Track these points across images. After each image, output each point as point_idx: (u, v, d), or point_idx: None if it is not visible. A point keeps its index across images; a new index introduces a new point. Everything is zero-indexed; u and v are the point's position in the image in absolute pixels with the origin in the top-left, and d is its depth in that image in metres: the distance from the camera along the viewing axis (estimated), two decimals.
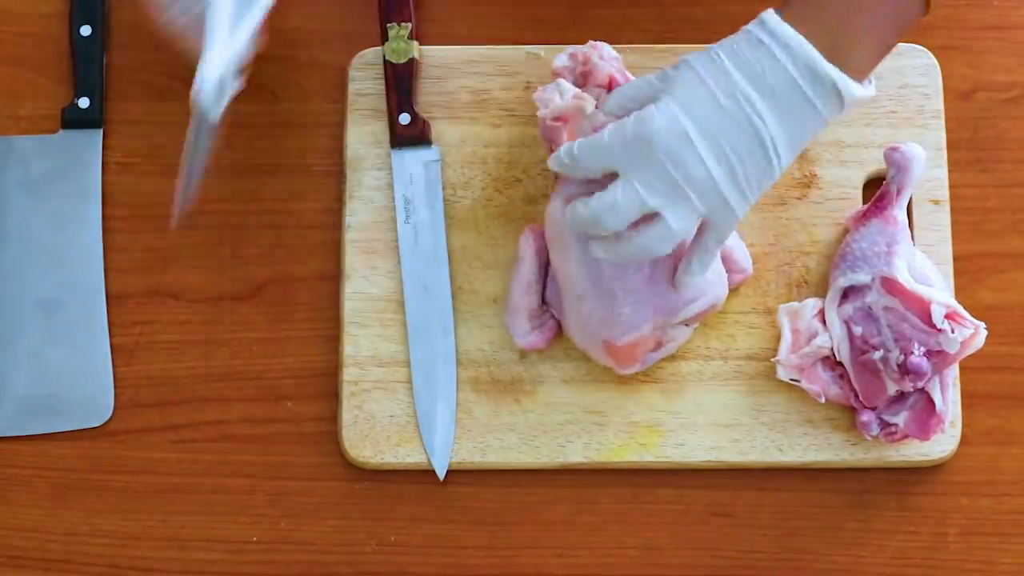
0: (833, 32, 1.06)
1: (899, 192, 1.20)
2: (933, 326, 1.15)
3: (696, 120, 1.06)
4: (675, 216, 1.07)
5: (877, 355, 1.17)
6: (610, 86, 1.19)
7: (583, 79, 1.20)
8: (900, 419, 1.18)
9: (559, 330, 1.20)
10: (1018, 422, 1.22)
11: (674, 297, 1.15)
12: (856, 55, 1.07)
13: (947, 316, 1.15)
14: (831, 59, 1.06)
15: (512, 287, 1.20)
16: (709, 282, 1.16)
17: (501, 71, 1.27)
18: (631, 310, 1.15)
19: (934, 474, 1.21)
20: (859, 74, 1.07)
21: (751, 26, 1.08)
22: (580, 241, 1.14)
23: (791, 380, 1.19)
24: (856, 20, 1.07)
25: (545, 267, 1.20)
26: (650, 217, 1.08)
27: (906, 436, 1.18)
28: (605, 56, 1.20)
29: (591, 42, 1.21)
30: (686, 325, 1.19)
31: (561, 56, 1.21)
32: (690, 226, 1.09)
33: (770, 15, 1.07)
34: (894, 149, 1.20)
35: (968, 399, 1.21)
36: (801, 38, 1.06)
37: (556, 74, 1.20)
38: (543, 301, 1.20)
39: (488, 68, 1.27)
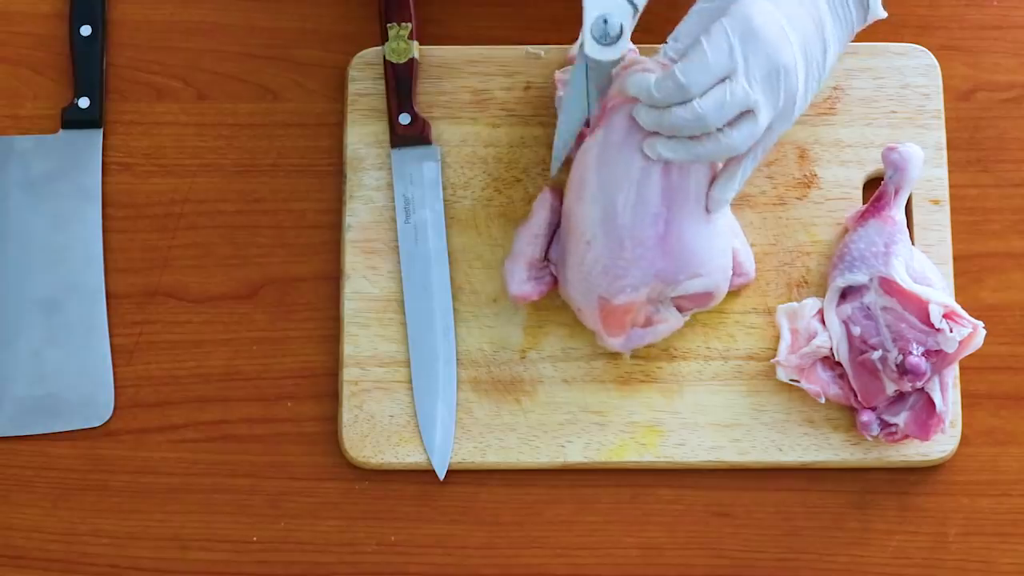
0: None
1: (897, 192, 1.20)
2: (931, 326, 1.15)
3: (785, 13, 1.11)
4: (766, 111, 1.10)
5: (876, 355, 1.17)
6: None
7: None
8: (900, 419, 1.18)
9: (554, 285, 1.20)
10: (1018, 422, 1.22)
11: (679, 264, 1.15)
12: None
13: (945, 316, 1.15)
14: None
15: (518, 235, 1.20)
16: (715, 264, 1.16)
17: (501, 71, 1.27)
18: (634, 264, 1.15)
19: (934, 474, 1.21)
20: None
21: None
22: (603, 187, 1.14)
23: (791, 380, 1.19)
24: None
25: (555, 226, 1.20)
26: (742, 115, 1.10)
27: (906, 436, 1.18)
28: None
29: None
30: (680, 311, 1.18)
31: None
32: (766, 123, 1.11)
33: None
34: (892, 149, 1.20)
35: (968, 399, 1.21)
36: None
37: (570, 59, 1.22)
38: (545, 257, 1.20)
39: (488, 68, 1.27)
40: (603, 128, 1.15)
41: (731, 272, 1.19)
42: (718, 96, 1.09)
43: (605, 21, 1.13)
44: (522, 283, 1.20)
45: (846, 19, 1.14)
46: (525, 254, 1.20)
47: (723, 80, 1.09)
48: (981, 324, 1.15)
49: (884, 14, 1.16)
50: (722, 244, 1.18)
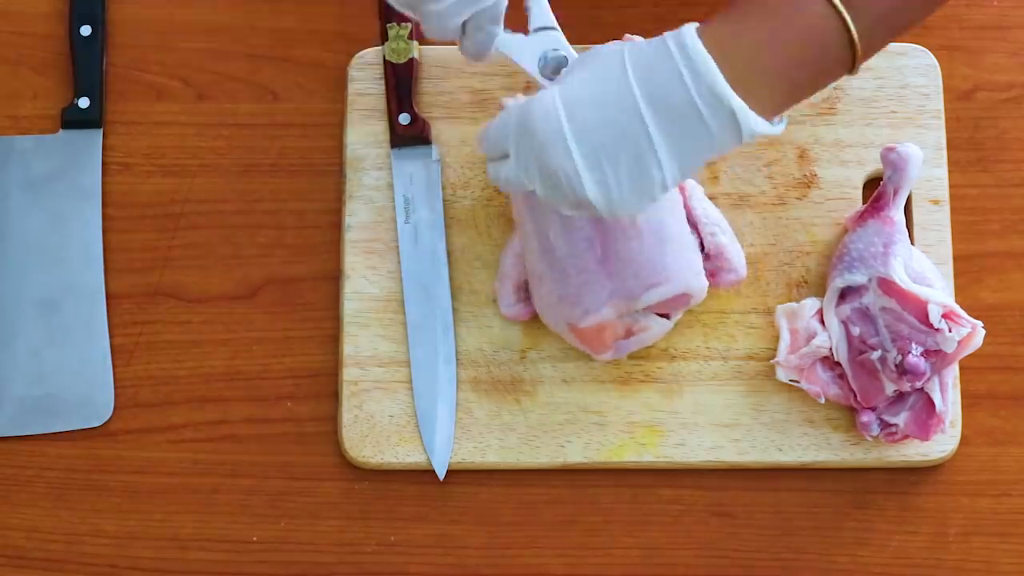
0: (744, 62, 1.01)
1: (896, 192, 1.20)
2: (930, 326, 1.15)
3: (575, 116, 1.03)
4: (544, 192, 1.06)
5: (875, 355, 1.17)
6: None
7: None
8: (900, 419, 1.18)
9: None
10: (1018, 422, 1.22)
11: (631, 280, 1.15)
12: (763, 93, 1.02)
13: (944, 316, 1.15)
14: (737, 89, 1.00)
15: (502, 257, 1.20)
16: (672, 269, 1.15)
17: (501, 71, 1.26)
18: (585, 290, 1.15)
19: (934, 474, 1.21)
20: (764, 112, 1.02)
21: (668, 34, 1.03)
22: (535, 222, 1.15)
23: (791, 381, 1.19)
24: (768, 58, 1.02)
25: None
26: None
27: (906, 436, 1.18)
28: None
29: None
30: (661, 316, 1.18)
31: None
32: (570, 210, 1.07)
33: (688, 29, 1.02)
34: (890, 150, 1.20)
35: (968, 399, 1.21)
36: (709, 58, 1.00)
37: None
38: None
39: (488, 68, 1.27)
40: None
41: (701, 268, 1.17)
42: (498, 172, 1.09)
43: (547, 57, 1.15)
44: (511, 305, 1.20)
45: (699, 133, 1.01)
46: (511, 276, 1.20)
47: (506, 156, 1.08)
48: (980, 324, 1.15)
49: (775, 131, 1.02)
50: (676, 247, 1.16)
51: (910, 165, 1.20)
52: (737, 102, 1.01)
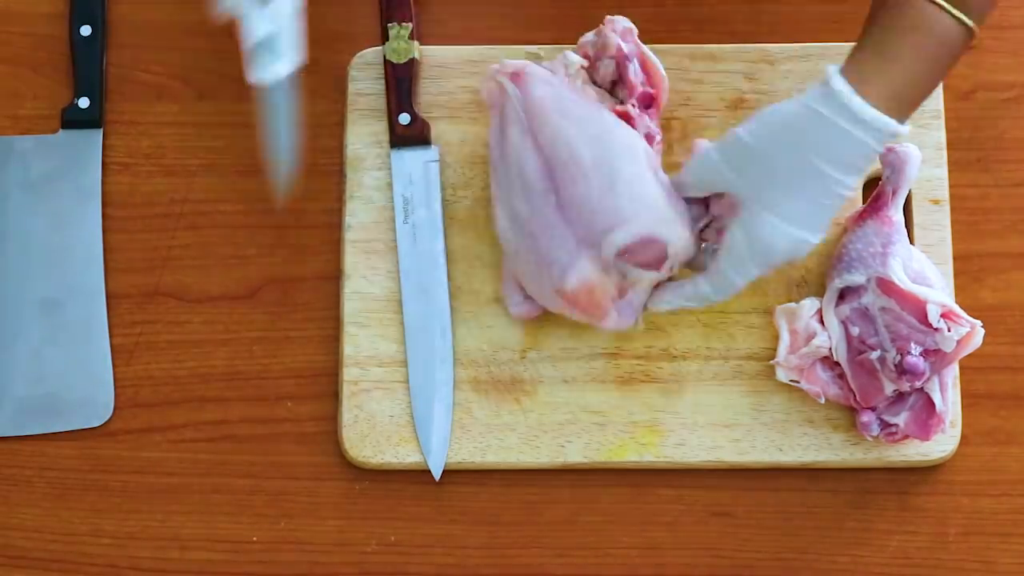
0: (892, 87, 1.08)
1: (895, 193, 1.20)
2: (929, 325, 1.15)
3: (794, 221, 1.11)
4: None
5: (874, 355, 1.17)
6: (619, 62, 1.20)
7: (600, 52, 1.21)
8: (900, 419, 1.18)
9: None
10: (1018, 422, 1.22)
11: (587, 227, 1.15)
12: (918, 100, 1.10)
13: (943, 315, 1.15)
14: (891, 108, 1.08)
15: (503, 258, 1.20)
16: (627, 211, 1.14)
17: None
18: (554, 245, 1.15)
19: (934, 474, 1.21)
20: (910, 114, 1.10)
21: (820, 105, 1.08)
22: (502, 195, 1.17)
23: (791, 381, 1.19)
24: (911, 76, 1.09)
25: None
26: None
27: (907, 436, 1.18)
28: (619, 28, 1.21)
29: (608, 16, 1.21)
30: (642, 268, 1.16)
31: (587, 35, 1.22)
32: None
33: (838, 83, 1.08)
34: (889, 150, 1.20)
35: (968, 399, 1.21)
36: (876, 112, 1.07)
37: (581, 49, 1.22)
38: None
39: (488, 68, 1.26)
40: (493, 150, 1.18)
41: (674, 216, 1.15)
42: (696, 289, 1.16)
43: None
44: (519, 304, 1.20)
45: (870, 159, 1.11)
46: (514, 276, 1.20)
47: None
48: (979, 324, 1.15)
49: (905, 131, 1.10)
50: (630, 189, 1.15)
51: (909, 165, 1.20)
52: (902, 129, 1.09)
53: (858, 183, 1.14)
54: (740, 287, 1.14)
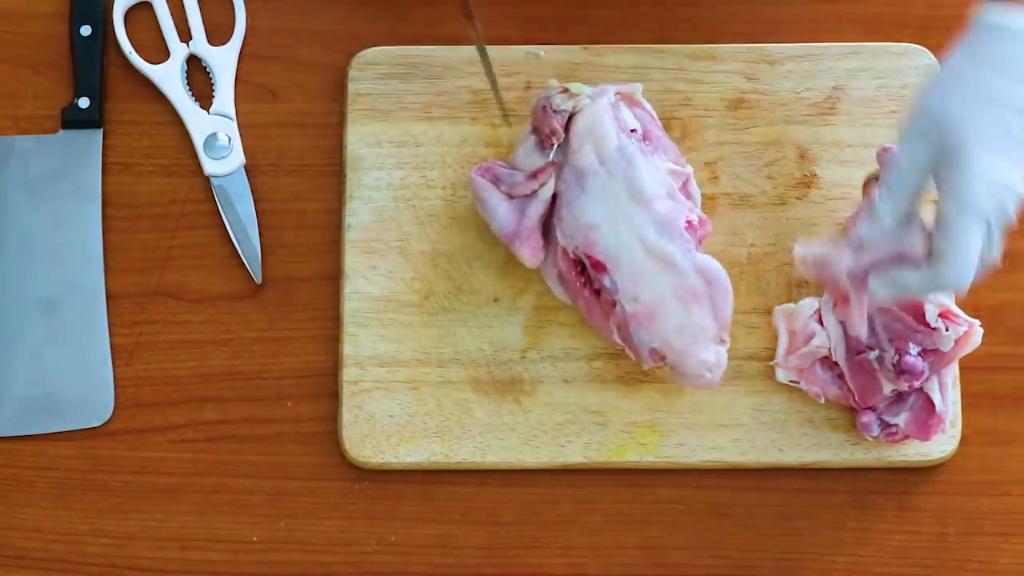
0: None
1: None
2: (927, 325, 1.15)
3: (1006, 162, 1.05)
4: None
5: (872, 355, 1.17)
6: None
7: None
8: (901, 419, 1.18)
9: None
10: (1018, 422, 1.22)
11: None
12: None
13: (941, 315, 1.15)
14: None
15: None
16: None
17: (501, 71, 1.26)
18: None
19: (934, 474, 1.21)
20: None
21: (984, 40, 1.07)
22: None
23: (790, 382, 1.19)
24: None
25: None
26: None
27: (907, 436, 1.18)
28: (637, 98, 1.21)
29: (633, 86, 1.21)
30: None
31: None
32: None
33: (993, 12, 1.07)
34: (885, 150, 1.20)
35: (968, 399, 1.21)
36: None
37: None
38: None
39: None
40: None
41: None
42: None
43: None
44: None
45: None
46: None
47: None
48: (977, 323, 1.15)
49: None
50: None
51: None
52: None
53: None
54: (972, 256, 1.06)
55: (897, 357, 1.15)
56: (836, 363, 1.19)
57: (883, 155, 1.20)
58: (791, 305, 1.20)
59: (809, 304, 1.19)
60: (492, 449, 1.20)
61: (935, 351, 1.15)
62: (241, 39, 1.28)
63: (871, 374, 1.17)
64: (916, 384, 1.16)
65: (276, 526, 1.20)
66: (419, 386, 1.21)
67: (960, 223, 1.05)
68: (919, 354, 1.15)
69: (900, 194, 1.09)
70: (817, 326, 1.19)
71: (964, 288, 1.07)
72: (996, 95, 1.06)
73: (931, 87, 1.08)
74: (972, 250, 1.05)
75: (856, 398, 1.18)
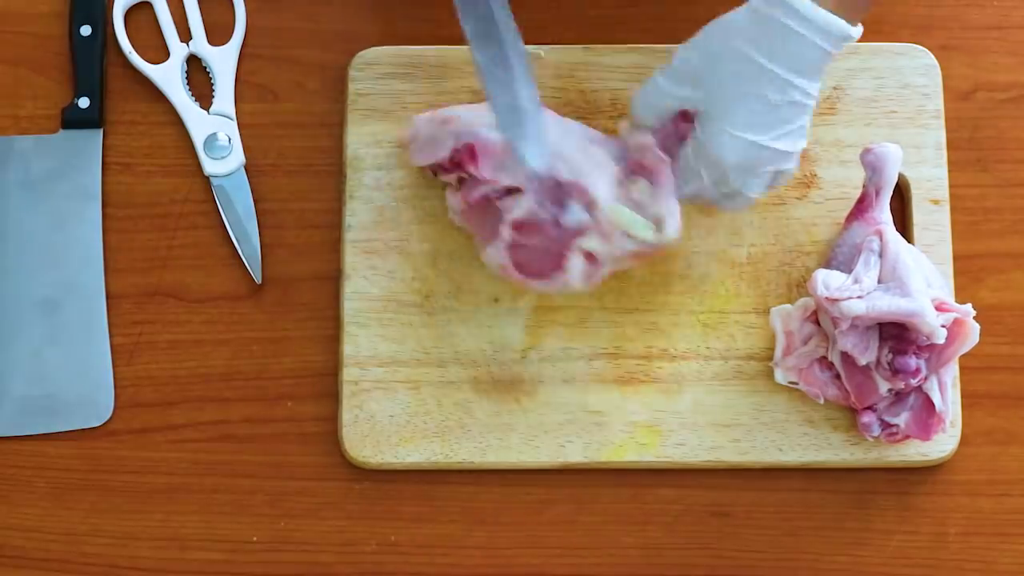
0: None
1: (878, 193, 1.20)
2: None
3: (744, 126, 1.12)
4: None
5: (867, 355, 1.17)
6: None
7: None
8: (901, 420, 1.18)
9: None
10: (1018, 422, 1.22)
11: None
12: (869, 2, 1.12)
13: (936, 307, 1.15)
14: (841, 10, 1.09)
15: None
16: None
17: None
18: None
19: (934, 474, 1.21)
20: (861, 16, 1.12)
21: (768, 7, 1.09)
22: None
23: (790, 384, 1.19)
24: None
25: None
26: None
27: (907, 437, 1.18)
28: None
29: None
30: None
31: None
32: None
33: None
34: (867, 151, 1.20)
35: (968, 399, 1.21)
36: (825, 13, 1.09)
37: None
38: None
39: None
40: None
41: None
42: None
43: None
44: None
45: (825, 62, 1.12)
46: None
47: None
48: (969, 306, 1.15)
49: (857, 33, 1.11)
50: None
51: (888, 165, 1.20)
52: (855, 31, 1.10)
53: (816, 90, 1.12)
54: (701, 197, 1.15)
55: (891, 356, 1.15)
56: (833, 363, 1.19)
57: (865, 156, 1.20)
58: (787, 306, 1.20)
59: (804, 304, 1.19)
60: (492, 449, 1.20)
61: (931, 347, 1.15)
62: (241, 39, 1.28)
63: (866, 374, 1.17)
64: (913, 383, 1.16)
65: (276, 526, 1.20)
66: (419, 386, 1.21)
67: (698, 175, 1.14)
68: (914, 352, 1.15)
69: (643, 117, 1.17)
70: (814, 326, 1.19)
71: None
72: (766, 69, 1.10)
73: (709, 35, 1.13)
74: (701, 195, 1.15)
75: (853, 398, 1.18)
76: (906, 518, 1.20)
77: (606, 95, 1.26)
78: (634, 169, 1.16)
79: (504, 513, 1.20)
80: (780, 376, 1.19)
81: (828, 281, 1.15)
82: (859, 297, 1.14)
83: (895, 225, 1.20)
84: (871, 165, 1.20)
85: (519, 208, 1.16)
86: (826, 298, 1.14)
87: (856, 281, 1.15)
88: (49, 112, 1.27)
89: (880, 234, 1.17)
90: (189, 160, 1.26)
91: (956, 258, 1.23)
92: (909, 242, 1.21)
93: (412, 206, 1.24)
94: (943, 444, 1.20)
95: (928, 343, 1.15)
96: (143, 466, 1.21)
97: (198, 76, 1.28)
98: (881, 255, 1.16)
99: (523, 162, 1.14)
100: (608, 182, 1.15)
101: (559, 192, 1.15)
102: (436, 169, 1.21)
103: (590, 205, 1.15)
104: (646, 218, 1.15)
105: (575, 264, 1.16)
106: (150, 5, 1.29)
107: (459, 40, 1.27)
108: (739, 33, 1.11)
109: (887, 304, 1.13)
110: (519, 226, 1.16)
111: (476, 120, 1.18)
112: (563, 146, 1.16)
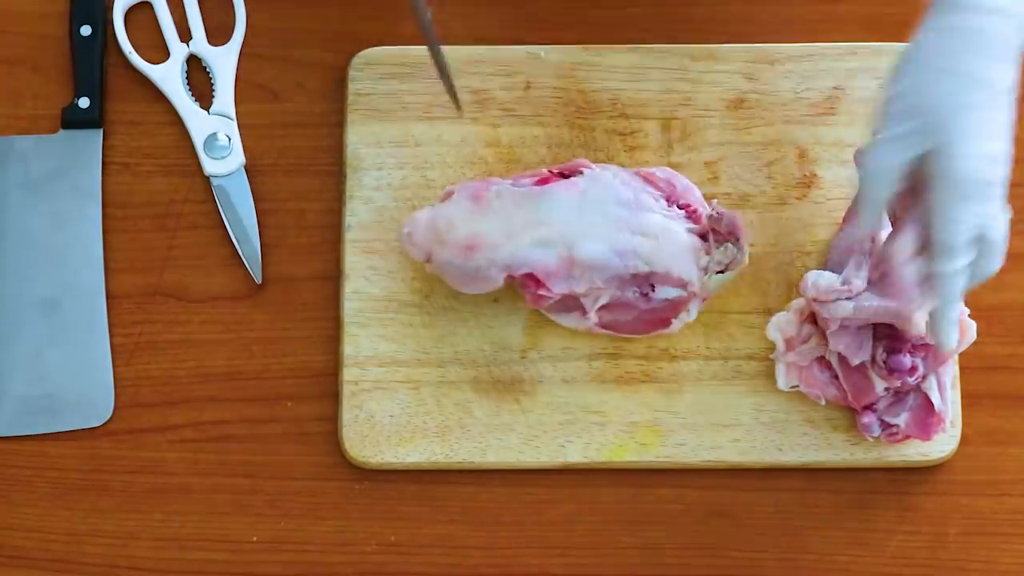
0: None
1: None
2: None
3: (976, 137, 1.06)
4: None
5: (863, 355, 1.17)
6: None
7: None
8: (901, 420, 1.18)
9: None
10: (1018, 422, 1.22)
11: None
12: None
13: None
14: None
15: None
16: None
17: (501, 71, 1.27)
18: None
19: (934, 474, 1.21)
20: None
21: (948, 16, 1.07)
22: None
23: (791, 388, 1.19)
24: None
25: None
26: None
27: (907, 437, 1.18)
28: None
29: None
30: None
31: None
32: None
33: None
34: (860, 151, 1.20)
35: (968, 399, 1.21)
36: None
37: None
38: None
39: (488, 68, 1.27)
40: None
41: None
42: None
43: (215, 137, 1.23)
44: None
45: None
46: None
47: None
48: (962, 304, 1.15)
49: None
50: None
51: None
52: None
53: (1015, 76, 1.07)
54: (964, 237, 1.06)
55: (886, 355, 1.15)
56: (831, 364, 1.19)
57: (856, 155, 1.20)
58: (782, 314, 1.19)
59: (799, 307, 1.19)
60: (492, 449, 1.20)
61: (927, 346, 1.15)
62: (241, 39, 1.28)
63: (862, 373, 1.17)
64: (911, 381, 1.16)
65: (276, 526, 1.20)
66: (419, 386, 1.21)
67: (962, 206, 1.05)
68: (908, 350, 1.15)
69: (880, 193, 1.09)
70: (812, 327, 1.18)
71: (994, 269, 1.08)
72: (969, 72, 1.06)
73: (902, 72, 1.08)
74: (969, 234, 1.06)
75: (851, 398, 1.18)
76: (906, 518, 1.20)
77: (606, 95, 1.26)
78: (717, 237, 1.18)
79: (504, 513, 1.20)
80: (781, 382, 1.19)
81: (818, 282, 1.15)
82: (847, 299, 1.14)
83: None
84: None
85: (604, 297, 1.18)
86: (814, 299, 1.14)
87: (845, 282, 1.15)
88: (49, 112, 1.27)
89: (873, 235, 1.17)
90: (189, 160, 1.26)
91: None
92: None
93: (412, 206, 1.24)
94: (943, 444, 1.20)
95: (923, 342, 1.15)
96: (143, 466, 1.21)
97: (198, 76, 1.28)
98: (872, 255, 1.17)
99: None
100: (688, 258, 1.17)
101: (641, 280, 1.18)
102: None
103: (678, 285, 1.17)
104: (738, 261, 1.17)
105: (680, 321, 1.20)
106: (150, 5, 1.29)
107: (458, 40, 1.28)
108: (937, 51, 1.07)
109: (874, 305, 1.13)
110: (606, 307, 1.19)
111: (492, 234, 1.18)
112: (626, 227, 1.17)
